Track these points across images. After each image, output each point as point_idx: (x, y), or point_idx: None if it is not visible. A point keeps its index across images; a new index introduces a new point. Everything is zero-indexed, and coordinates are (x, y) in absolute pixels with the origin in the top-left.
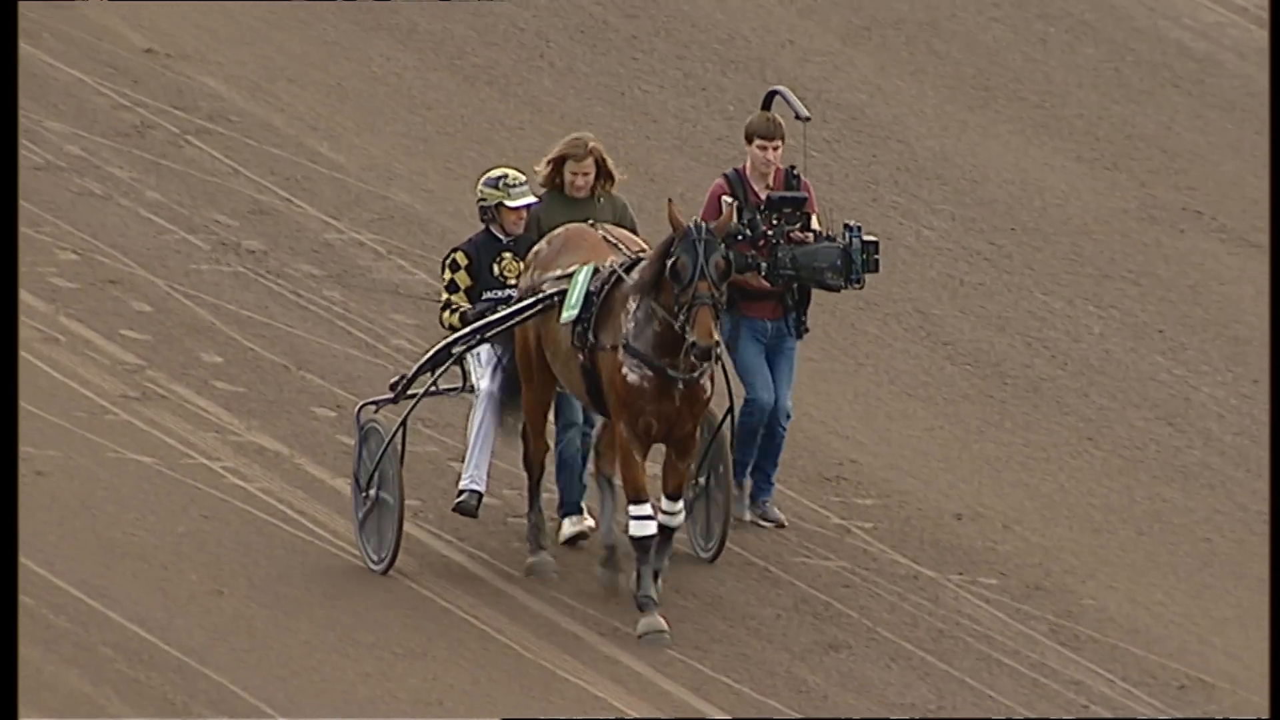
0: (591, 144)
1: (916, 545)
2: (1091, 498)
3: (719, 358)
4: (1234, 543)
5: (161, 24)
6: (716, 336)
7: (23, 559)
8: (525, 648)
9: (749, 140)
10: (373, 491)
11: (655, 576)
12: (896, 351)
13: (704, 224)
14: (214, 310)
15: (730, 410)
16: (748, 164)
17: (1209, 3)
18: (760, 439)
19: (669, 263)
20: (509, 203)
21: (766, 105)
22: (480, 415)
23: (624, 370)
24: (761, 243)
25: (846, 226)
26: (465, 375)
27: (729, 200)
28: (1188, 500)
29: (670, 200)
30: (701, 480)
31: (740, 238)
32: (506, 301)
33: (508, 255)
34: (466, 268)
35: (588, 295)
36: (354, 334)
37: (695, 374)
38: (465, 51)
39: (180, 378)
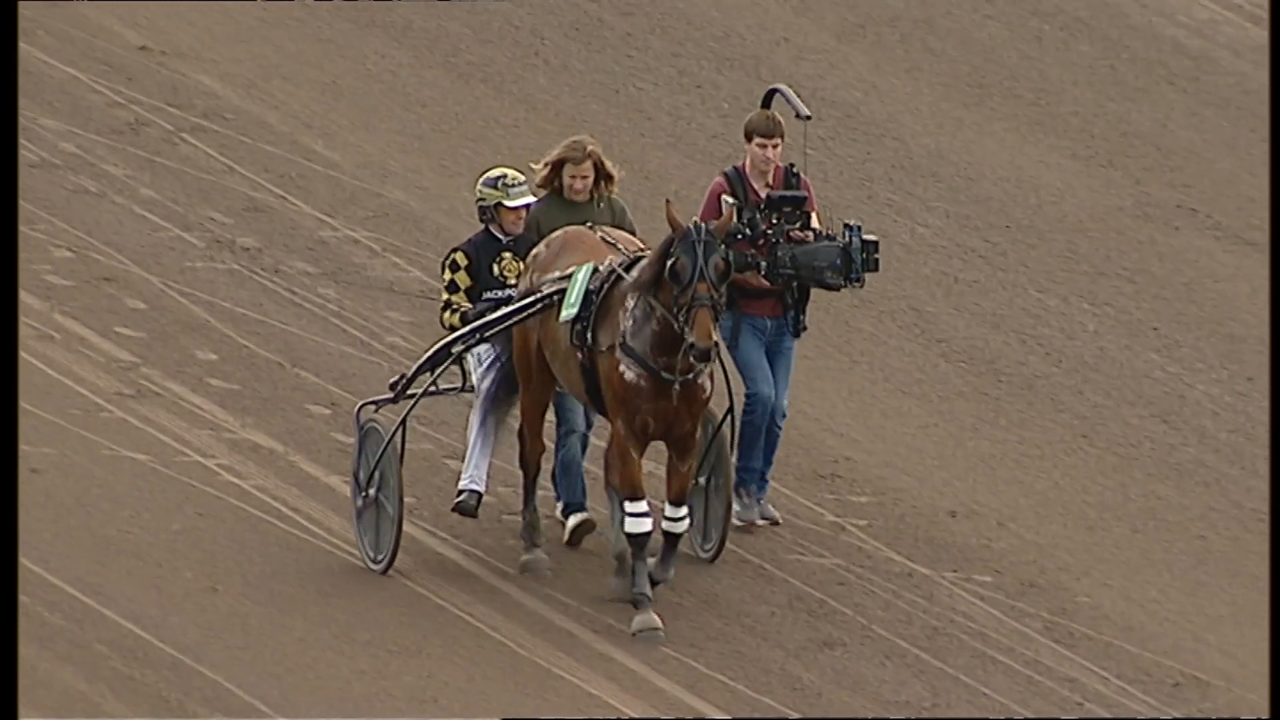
0: (590, 147)
1: (911, 542)
2: (1086, 495)
3: (718, 358)
4: (1229, 540)
5: (156, 22)
6: (715, 338)
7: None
8: (520, 645)
9: (749, 138)
10: (372, 491)
11: (655, 582)
12: (891, 349)
13: (703, 225)
14: (209, 307)
15: (730, 410)
16: (747, 162)
17: (1204, 0)
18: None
19: (668, 264)
20: (508, 202)
21: (766, 103)
22: (480, 415)
23: (621, 368)
24: (761, 242)
25: (846, 225)
26: (465, 375)
27: (729, 200)
28: (1182, 498)
29: (668, 201)
30: (701, 480)
31: (740, 236)
32: (507, 302)
33: (507, 255)
34: (466, 268)
35: (587, 294)
36: (349, 331)
37: (691, 375)
38: (460, 49)
39: (175, 375)
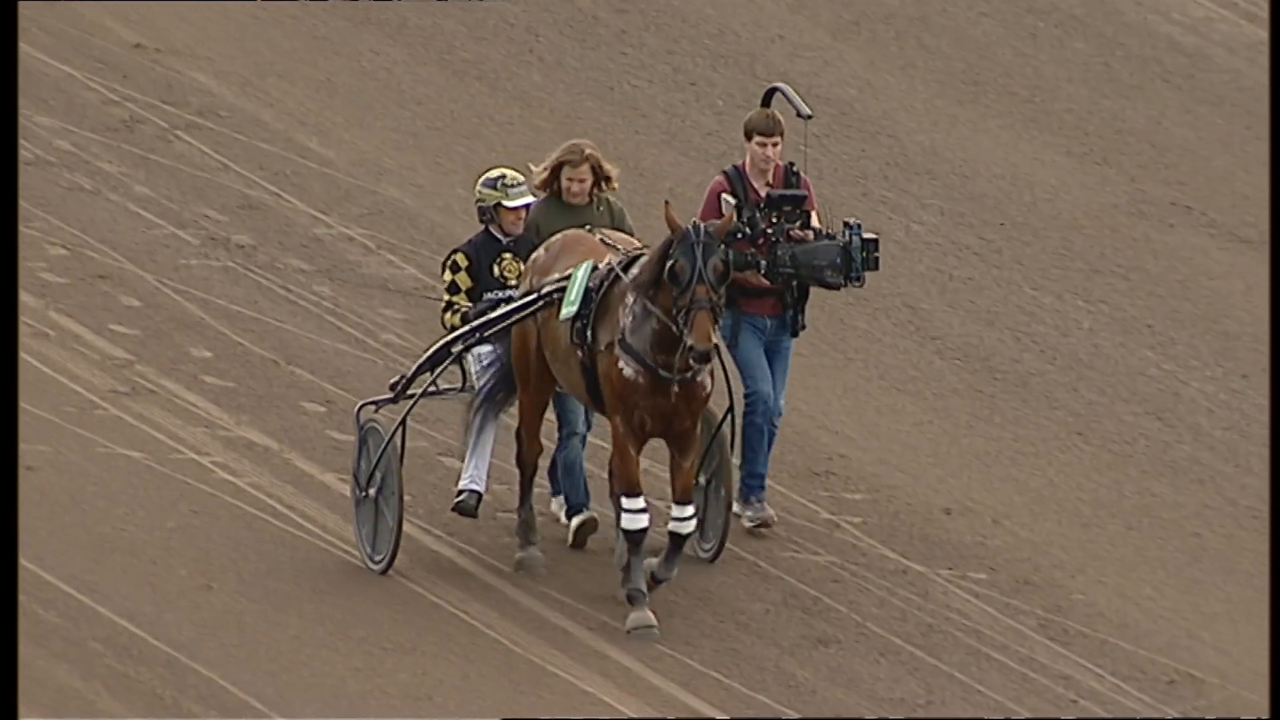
0: (588, 150)
1: (905, 540)
2: (1081, 492)
3: (717, 356)
4: (1223, 537)
5: (151, 19)
6: (714, 340)
7: None
8: (514, 643)
9: (748, 137)
10: (372, 491)
11: (658, 580)
12: (885, 346)
13: (702, 226)
14: (203, 305)
15: (730, 410)
16: (747, 161)
17: None
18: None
19: (667, 265)
20: (507, 203)
21: (766, 102)
22: (480, 415)
23: (619, 365)
24: (761, 241)
25: (846, 224)
26: (465, 374)
27: (730, 200)
28: (1177, 495)
29: (667, 202)
30: (701, 480)
31: (740, 235)
32: (507, 302)
33: (508, 256)
34: (467, 268)
35: (586, 292)
36: (343, 329)
37: (689, 374)
38: (454, 46)
39: (169, 373)
